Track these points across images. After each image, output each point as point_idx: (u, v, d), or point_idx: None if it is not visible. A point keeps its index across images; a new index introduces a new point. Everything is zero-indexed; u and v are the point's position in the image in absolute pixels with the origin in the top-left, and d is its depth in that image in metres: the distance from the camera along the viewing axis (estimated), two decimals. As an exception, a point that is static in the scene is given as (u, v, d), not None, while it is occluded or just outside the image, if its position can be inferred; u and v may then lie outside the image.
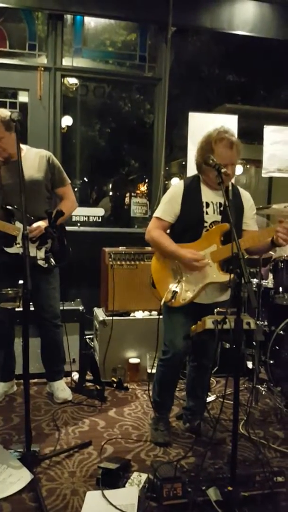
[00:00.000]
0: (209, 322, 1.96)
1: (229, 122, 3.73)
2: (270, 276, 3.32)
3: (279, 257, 3.10)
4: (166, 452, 2.43)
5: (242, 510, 1.87)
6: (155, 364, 2.65)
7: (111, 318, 3.37)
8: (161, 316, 2.51)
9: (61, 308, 2.98)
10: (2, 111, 2.61)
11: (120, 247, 3.56)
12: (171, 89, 4.35)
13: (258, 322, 2.96)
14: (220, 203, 2.37)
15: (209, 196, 2.39)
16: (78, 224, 4.33)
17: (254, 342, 3.04)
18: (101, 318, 3.39)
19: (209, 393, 3.10)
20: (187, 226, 2.38)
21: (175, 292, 2.36)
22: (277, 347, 2.95)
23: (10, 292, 2.31)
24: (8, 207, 2.64)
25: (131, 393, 3.21)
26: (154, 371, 2.70)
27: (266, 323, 3.09)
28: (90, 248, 3.74)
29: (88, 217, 4.38)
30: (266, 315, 3.17)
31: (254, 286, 3.03)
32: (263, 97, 6.57)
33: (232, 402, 1.96)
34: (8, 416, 2.76)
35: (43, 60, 4.18)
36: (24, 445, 2.18)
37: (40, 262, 2.72)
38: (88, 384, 3.23)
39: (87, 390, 3.15)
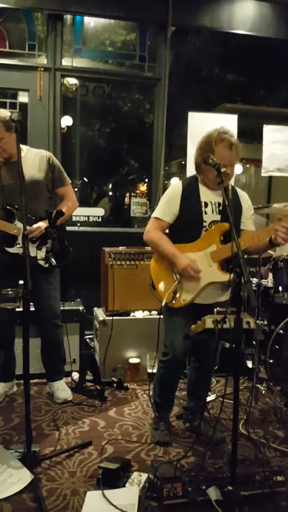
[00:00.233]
0: (209, 322, 1.96)
1: (229, 122, 3.74)
2: (270, 275, 3.32)
3: (279, 256, 3.11)
4: (166, 452, 2.43)
5: (242, 510, 1.87)
6: (155, 364, 2.65)
7: (111, 318, 3.37)
8: (161, 316, 2.51)
9: (61, 308, 2.99)
10: (2, 112, 2.62)
11: (120, 247, 3.56)
12: (171, 89, 4.35)
13: (257, 321, 2.96)
14: (218, 203, 2.37)
15: (208, 196, 2.39)
16: (78, 224, 4.33)
17: (254, 342, 3.04)
18: (101, 318, 3.39)
19: (209, 393, 3.10)
20: (186, 226, 2.38)
21: (175, 293, 2.37)
22: (277, 346, 2.95)
23: (10, 292, 2.31)
24: (8, 207, 2.65)
25: (131, 393, 3.21)
26: (154, 371, 2.71)
27: (265, 322, 3.09)
28: (90, 248, 3.74)
29: (88, 217, 4.39)
30: (266, 314, 3.17)
31: (253, 285, 3.04)
32: (262, 96, 6.57)
33: (232, 402, 1.97)
34: (9, 416, 2.76)
35: (42, 60, 4.18)
36: (24, 445, 2.19)
37: (41, 262, 2.72)
38: (88, 384, 3.24)
39: (87, 390, 3.15)
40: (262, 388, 3.04)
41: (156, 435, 2.54)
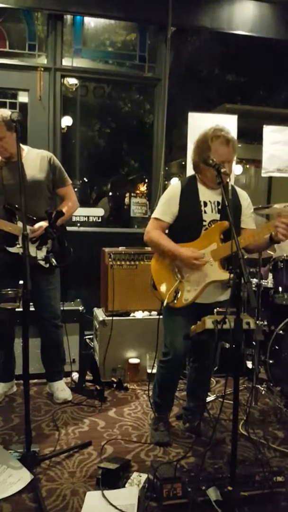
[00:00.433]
0: (208, 322, 1.96)
1: (229, 122, 3.73)
2: (270, 276, 3.32)
3: (279, 257, 3.11)
4: (166, 452, 2.43)
5: (242, 510, 1.87)
6: (155, 364, 2.65)
7: (111, 318, 3.37)
8: (161, 316, 2.51)
9: (61, 308, 2.99)
10: (3, 111, 2.62)
11: (120, 247, 3.56)
12: (171, 89, 4.36)
13: (257, 322, 2.96)
14: (218, 202, 2.37)
15: (207, 195, 2.39)
16: (78, 224, 4.33)
17: (253, 342, 3.04)
18: (101, 318, 3.39)
19: (209, 393, 3.10)
20: (186, 225, 2.37)
21: (177, 293, 2.36)
22: (277, 347, 2.95)
23: (10, 292, 2.31)
24: (9, 207, 2.65)
25: (131, 393, 3.21)
26: (154, 371, 2.70)
27: (265, 322, 3.09)
28: (90, 248, 3.74)
29: (88, 217, 4.39)
30: (266, 315, 3.17)
31: (253, 286, 3.04)
32: (262, 97, 6.56)
33: (231, 402, 1.96)
34: (8, 416, 2.76)
35: (43, 60, 4.18)
36: (24, 445, 2.19)
37: (41, 262, 2.72)
38: (88, 384, 3.23)
39: (87, 390, 3.15)
40: (262, 388, 3.04)
41: (155, 435, 2.54)
